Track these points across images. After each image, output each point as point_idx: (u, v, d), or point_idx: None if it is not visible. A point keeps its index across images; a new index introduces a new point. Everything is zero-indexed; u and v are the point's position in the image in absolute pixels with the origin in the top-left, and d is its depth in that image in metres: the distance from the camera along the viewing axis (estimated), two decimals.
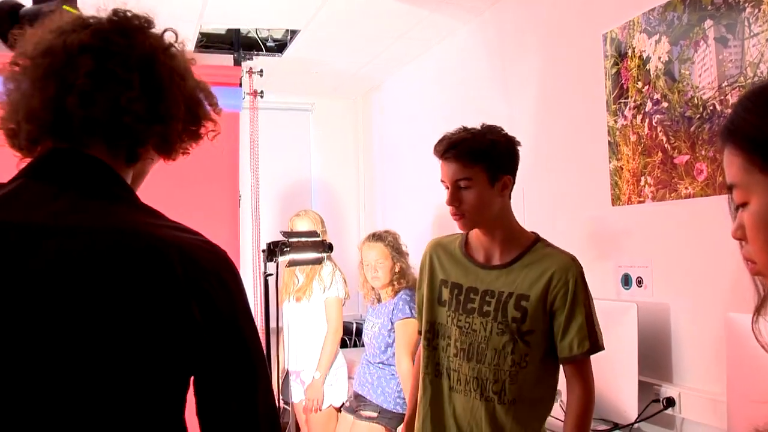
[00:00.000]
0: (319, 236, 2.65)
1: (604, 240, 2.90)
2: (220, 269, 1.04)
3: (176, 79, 1.11)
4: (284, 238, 2.42)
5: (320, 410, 3.53)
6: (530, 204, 3.37)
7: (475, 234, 2.02)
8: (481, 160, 1.88)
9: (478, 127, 1.96)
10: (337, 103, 5.82)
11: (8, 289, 0.93)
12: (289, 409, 3.83)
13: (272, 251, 2.38)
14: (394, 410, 3.16)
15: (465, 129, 1.96)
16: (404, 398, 3.13)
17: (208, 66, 4.40)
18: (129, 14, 1.10)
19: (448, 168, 1.92)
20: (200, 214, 3.97)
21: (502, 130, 1.99)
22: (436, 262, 2.10)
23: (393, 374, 3.20)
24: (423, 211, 4.19)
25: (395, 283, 3.28)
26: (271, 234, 5.23)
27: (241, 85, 4.64)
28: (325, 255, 2.62)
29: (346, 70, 4.92)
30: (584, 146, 2.99)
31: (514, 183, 1.99)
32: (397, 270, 3.28)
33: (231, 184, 4.12)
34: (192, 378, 1.03)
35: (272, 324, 2.49)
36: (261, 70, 4.61)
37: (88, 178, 1.04)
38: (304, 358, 3.63)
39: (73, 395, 0.94)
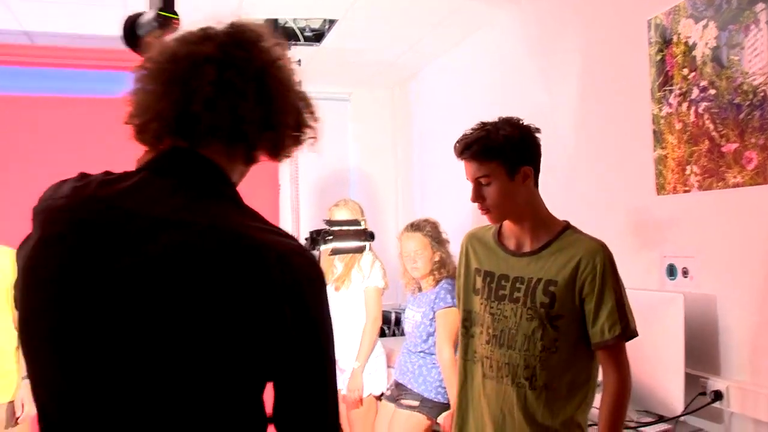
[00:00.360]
0: (361, 225, 2.65)
1: (648, 230, 2.86)
2: (311, 275, 1.10)
3: (284, 90, 1.20)
4: (327, 227, 2.42)
5: (362, 403, 3.54)
6: (572, 193, 3.34)
7: (507, 223, 2.07)
8: (496, 156, 1.93)
9: (496, 121, 2.00)
10: (375, 92, 5.81)
11: (126, 271, 1.02)
12: None
13: (315, 239, 2.37)
14: (435, 399, 3.15)
15: (482, 125, 2.00)
16: (445, 387, 3.13)
17: None
18: (244, 28, 1.19)
19: (468, 167, 1.98)
20: None
21: (520, 121, 2.01)
22: (471, 252, 2.16)
23: (434, 363, 3.19)
24: (462, 199, 4.15)
25: (435, 272, 3.27)
26: (310, 224, 5.26)
27: None
28: (367, 244, 2.61)
29: (384, 59, 4.91)
30: (627, 135, 2.95)
31: (537, 171, 2.02)
32: (437, 259, 3.27)
33: (271, 175, 4.15)
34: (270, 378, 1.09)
35: None
36: (299, 60, 4.60)
37: (202, 178, 1.14)
38: (343, 346, 3.64)
39: (167, 377, 1.01)
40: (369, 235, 2.60)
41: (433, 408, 3.15)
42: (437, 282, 3.25)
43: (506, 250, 2.06)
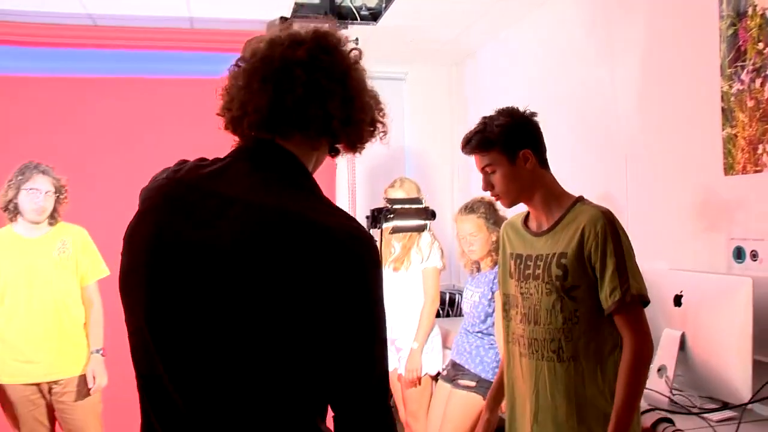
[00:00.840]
0: (422, 203, 2.63)
1: (714, 210, 2.78)
2: (370, 258, 1.21)
3: (361, 90, 1.35)
4: (388, 205, 2.42)
5: (420, 383, 3.54)
6: (633, 172, 3.27)
7: (530, 207, 2.19)
8: (493, 145, 2.06)
9: (493, 114, 2.13)
10: (432, 71, 5.76)
11: (200, 242, 1.19)
12: None
13: (376, 218, 2.38)
14: (492, 380, 3.13)
15: (482, 120, 2.14)
16: None
17: None
18: (327, 33, 1.34)
19: (475, 160, 2.14)
20: None
21: (518, 110, 2.13)
22: (506, 239, 2.28)
23: (492, 344, 3.17)
24: None
25: (493, 253, 3.24)
26: (365, 203, 5.27)
27: None
28: (428, 222, 2.60)
29: (441, 37, 4.86)
30: (694, 113, 2.86)
31: (539, 152, 2.11)
32: (493, 240, 3.23)
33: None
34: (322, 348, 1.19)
35: None
36: (356, 39, 4.60)
37: (279, 166, 1.29)
38: (400, 326, 3.65)
39: (234, 334, 1.17)
40: (430, 214, 2.59)
41: (490, 389, 3.13)
42: (495, 263, 3.22)
43: (530, 231, 2.16)
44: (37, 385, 3.20)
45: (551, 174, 2.14)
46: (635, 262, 1.98)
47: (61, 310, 3.24)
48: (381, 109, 1.42)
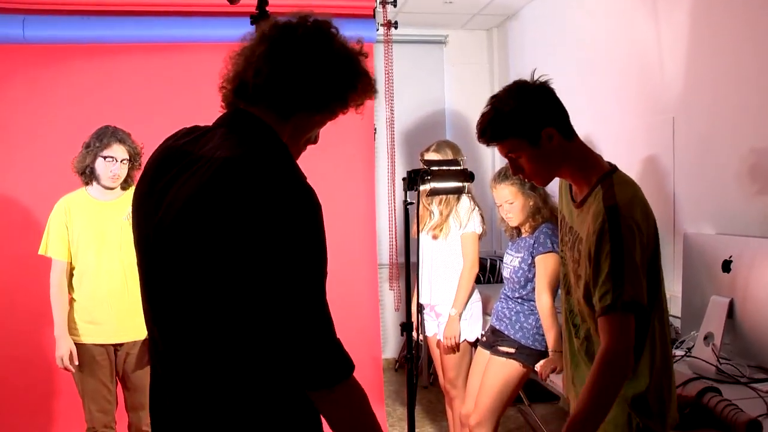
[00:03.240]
0: (460, 165, 2.56)
1: (766, 174, 2.68)
2: (272, 186, 1.29)
3: (321, 63, 1.43)
4: (425, 167, 2.37)
5: (458, 349, 3.52)
6: (681, 134, 3.17)
7: None
8: (510, 133, 1.88)
9: (502, 94, 1.93)
10: (472, 34, 5.68)
11: (173, 196, 1.36)
12: (422, 342, 3.84)
13: (413, 179, 2.33)
14: (533, 347, 3.09)
15: (492, 102, 1.94)
16: (543, 334, 3.06)
17: None
18: (308, 16, 1.47)
19: (497, 148, 1.97)
20: (336, 146, 4.01)
21: (527, 84, 1.91)
22: (562, 195, 2.12)
23: (532, 310, 3.12)
24: None
25: (531, 219, 3.17)
26: (405, 166, 5.23)
27: (374, 16, 4.57)
28: (466, 184, 2.54)
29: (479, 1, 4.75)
30: (746, 73, 2.74)
31: (562, 125, 1.89)
32: (531, 204, 3.15)
33: (366, 116, 4.11)
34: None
35: (412, 258, 2.45)
36: (394, 1, 4.52)
37: (244, 128, 1.43)
38: (439, 291, 3.61)
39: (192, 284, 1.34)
40: (468, 175, 2.52)
41: (530, 355, 3.08)
42: (535, 228, 3.15)
43: (572, 197, 2.02)
44: (103, 346, 3.26)
45: (578, 141, 1.94)
46: (636, 264, 1.75)
47: (128, 274, 3.29)
48: (354, 85, 1.48)
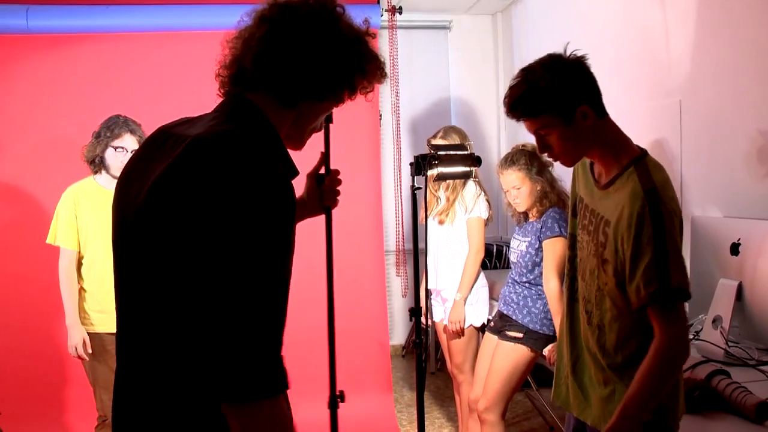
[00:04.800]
0: (467, 149, 2.54)
1: None
2: (224, 162, 1.20)
3: (327, 47, 1.37)
4: (432, 152, 2.36)
5: (463, 333, 3.52)
6: (688, 117, 3.15)
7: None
8: (544, 109, 1.79)
9: (535, 67, 1.82)
10: (476, 19, 5.65)
11: (155, 176, 1.27)
12: (430, 327, 3.84)
13: (420, 164, 2.32)
14: (540, 331, 3.09)
15: (523, 75, 1.84)
16: (550, 319, 3.06)
17: None
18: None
19: (525, 124, 1.88)
20: (342, 133, 3.99)
21: (563, 57, 1.82)
22: (577, 178, 2.08)
23: (540, 294, 3.11)
24: None
25: (538, 204, 3.16)
26: (411, 151, 5.22)
27: (378, 2, 4.56)
28: (473, 169, 2.53)
29: None
30: (757, 55, 2.72)
31: (596, 103, 1.84)
32: (538, 189, 3.14)
33: (372, 104, 4.10)
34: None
35: (420, 245, 2.45)
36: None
37: (235, 111, 1.38)
38: (445, 277, 3.61)
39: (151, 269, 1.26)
40: (475, 160, 2.52)
41: (538, 340, 3.09)
42: (542, 213, 3.15)
43: (594, 178, 1.96)
44: (114, 334, 3.26)
45: (610, 121, 1.88)
46: (679, 249, 1.73)
47: None
48: (363, 70, 1.43)
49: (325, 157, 1.89)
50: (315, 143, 1.60)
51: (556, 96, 1.77)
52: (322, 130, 1.68)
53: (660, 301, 1.70)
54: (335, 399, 1.93)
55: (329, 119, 1.76)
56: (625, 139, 1.89)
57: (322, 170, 1.89)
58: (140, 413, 1.31)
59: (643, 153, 1.86)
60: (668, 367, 1.72)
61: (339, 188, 1.90)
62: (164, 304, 1.23)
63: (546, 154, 1.91)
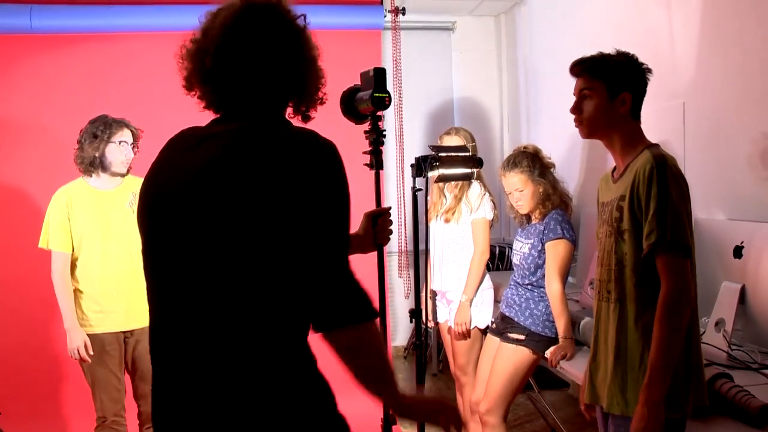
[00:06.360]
0: (468, 151, 2.54)
1: None
2: (324, 155, 1.39)
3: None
4: (433, 153, 2.35)
5: (468, 335, 3.51)
6: (691, 119, 3.14)
7: (613, 154, 2.19)
8: (602, 75, 2.09)
9: (615, 51, 2.14)
10: (480, 20, 5.64)
11: (182, 166, 1.42)
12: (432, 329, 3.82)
13: (420, 166, 2.31)
14: (543, 333, 3.07)
15: (599, 52, 2.15)
16: (553, 321, 3.04)
17: None
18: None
19: (577, 83, 2.15)
20: (343, 134, 3.98)
21: (634, 56, 2.14)
22: (599, 190, 2.28)
23: (542, 296, 3.10)
24: (570, 127, 4.00)
25: (541, 206, 3.15)
26: (414, 152, 5.21)
27: (382, 2, 4.55)
28: (474, 171, 2.52)
29: None
30: (756, 58, 2.71)
31: (637, 102, 2.10)
32: (540, 191, 3.14)
33: None
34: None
35: (421, 246, 2.44)
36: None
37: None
38: (450, 278, 3.60)
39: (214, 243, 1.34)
40: (477, 162, 2.51)
41: (540, 342, 3.07)
42: (545, 215, 3.14)
43: (612, 178, 2.18)
44: (114, 334, 3.25)
45: (640, 126, 2.13)
46: (682, 210, 1.92)
47: (134, 260, 3.29)
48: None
49: (376, 198, 2.10)
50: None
51: (617, 73, 2.08)
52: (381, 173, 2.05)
53: (658, 253, 1.91)
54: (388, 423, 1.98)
55: (379, 165, 2.06)
56: (644, 139, 2.12)
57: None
58: (206, 387, 1.37)
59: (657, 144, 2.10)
60: (670, 319, 1.88)
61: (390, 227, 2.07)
62: (241, 273, 1.33)
63: (575, 116, 2.15)
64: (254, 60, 1.44)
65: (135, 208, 3.28)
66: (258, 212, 1.31)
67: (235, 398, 1.34)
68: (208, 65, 1.45)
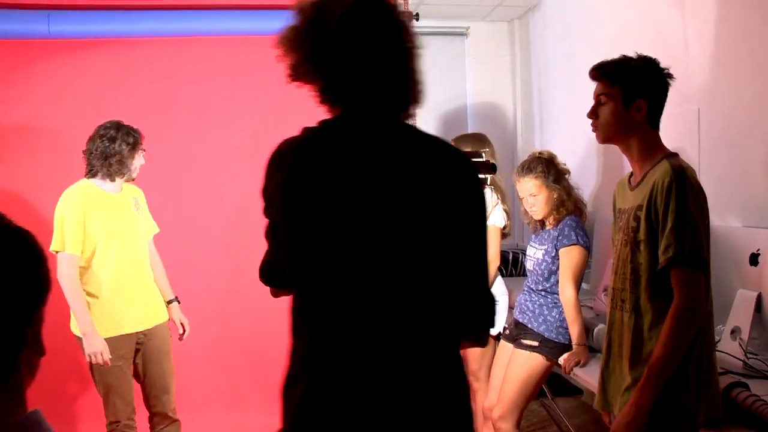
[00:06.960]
0: (482, 156, 2.54)
1: None
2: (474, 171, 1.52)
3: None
4: None
5: None
6: (707, 125, 3.12)
7: (631, 161, 2.19)
8: (618, 81, 2.08)
9: (636, 55, 2.12)
10: (494, 26, 5.63)
11: (379, 178, 1.44)
12: None
13: None
14: (556, 340, 3.07)
15: (622, 55, 2.14)
16: (566, 327, 3.04)
17: None
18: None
19: (596, 86, 2.16)
20: None
21: (655, 61, 2.12)
22: (615, 197, 2.30)
23: (556, 302, 3.10)
24: (585, 134, 3.99)
25: (555, 212, 3.14)
26: None
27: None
28: (488, 176, 2.53)
29: None
30: None
31: (654, 110, 2.10)
32: (555, 197, 3.13)
33: None
34: None
35: None
36: None
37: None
38: None
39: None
40: (490, 167, 2.51)
41: (553, 348, 3.07)
42: (559, 221, 3.13)
43: (630, 185, 2.18)
44: (128, 336, 3.26)
45: (657, 134, 2.13)
46: (700, 224, 1.93)
47: (143, 262, 3.36)
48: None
49: None
50: None
51: (634, 79, 2.07)
52: None
53: (674, 267, 1.91)
54: None
55: None
56: (663, 148, 2.12)
57: None
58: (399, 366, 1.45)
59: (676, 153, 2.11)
60: (676, 333, 1.90)
61: None
62: (425, 279, 1.43)
63: (591, 122, 2.16)
64: (380, 52, 1.44)
65: (139, 211, 3.36)
66: (444, 220, 1.41)
67: (424, 398, 1.46)
68: (330, 55, 1.42)
